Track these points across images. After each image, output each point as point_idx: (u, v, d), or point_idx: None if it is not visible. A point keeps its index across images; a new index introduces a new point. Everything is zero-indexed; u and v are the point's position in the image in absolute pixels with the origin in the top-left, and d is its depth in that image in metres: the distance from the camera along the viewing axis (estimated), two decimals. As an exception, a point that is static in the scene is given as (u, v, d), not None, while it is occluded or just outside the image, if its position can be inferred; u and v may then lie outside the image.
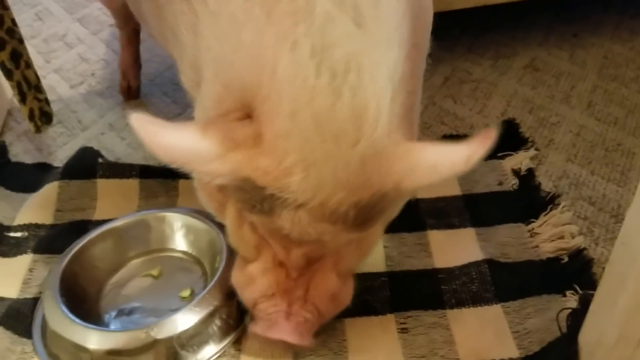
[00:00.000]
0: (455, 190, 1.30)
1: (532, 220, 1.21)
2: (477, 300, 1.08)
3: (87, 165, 1.36)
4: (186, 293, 1.11)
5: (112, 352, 0.96)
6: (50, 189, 1.32)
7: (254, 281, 0.91)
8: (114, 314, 1.09)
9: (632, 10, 1.88)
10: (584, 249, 1.13)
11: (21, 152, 1.51)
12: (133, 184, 1.34)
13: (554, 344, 0.98)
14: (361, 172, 0.73)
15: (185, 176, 1.33)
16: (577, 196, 1.29)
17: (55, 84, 1.75)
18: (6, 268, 1.19)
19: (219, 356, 1.02)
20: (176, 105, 1.65)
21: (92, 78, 1.78)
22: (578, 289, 1.06)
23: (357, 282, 0.96)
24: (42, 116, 1.44)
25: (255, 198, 0.76)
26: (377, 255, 1.16)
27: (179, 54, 0.96)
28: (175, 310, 1.01)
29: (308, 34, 0.71)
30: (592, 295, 0.91)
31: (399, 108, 0.77)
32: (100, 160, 1.39)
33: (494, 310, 1.06)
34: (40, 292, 1.13)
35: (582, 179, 1.33)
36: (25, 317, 1.09)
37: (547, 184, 1.31)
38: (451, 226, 1.22)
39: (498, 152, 1.35)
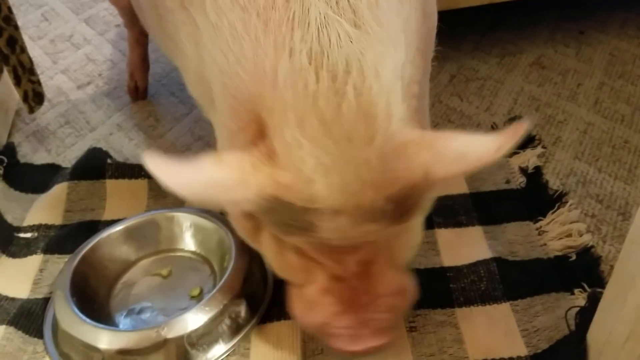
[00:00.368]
0: (462, 188, 1.30)
1: (540, 218, 1.21)
2: (485, 298, 1.08)
3: (96, 166, 1.37)
4: (195, 292, 1.12)
5: (123, 352, 0.97)
6: (59, 190, 1.33)
7: (316, 305, 0.87)
8: (124, 313, 1.10)
9: (639, 7, 1.87)
10: (592, 246, 1.14)
11: (30, 152, 1.52)
12: (142, 184, 1.35)
13: (562, 342, 0.98)
14: (384, 167, 0.72)
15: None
16: (585, 194, 1.29)
17: (62, 85, 1.76)
18: (17, 268, 1.20)
19: (228, 355, 1.03)
20: (183, 106, 1.65)
21: (100, 78, 1.78)
22: (586, 286, 1.06)
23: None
24: (35, 97, 1.48)
25: (289, 217, 0.75)
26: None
27: (183, 65, 0.95)
28: (185, 309, 1.01)
29: (304, 40, 0.70)
30: (601, 293, 0.91)
31: (415, 102, 0.77)
32: (109, 160, 1.40)
33: (503, 309, 1.06)
34: (50, 292, 1.14)
35: (590, 177, 1.33)
36: (36, 317, 1.10)
37: (554, 182, 1.31)
38: (459, 224, 1.23)
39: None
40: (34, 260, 1.21)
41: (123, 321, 1.09)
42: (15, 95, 1.63)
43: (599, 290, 1.00)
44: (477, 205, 1.26)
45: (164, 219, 1.20)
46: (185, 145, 1.52)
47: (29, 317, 1.10)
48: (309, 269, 0.86)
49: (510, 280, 1.09)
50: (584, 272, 1.09)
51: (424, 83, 0.91)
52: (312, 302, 0.87)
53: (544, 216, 1.21)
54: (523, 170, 1.32)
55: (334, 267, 0.83)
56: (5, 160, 1.42)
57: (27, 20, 2.02)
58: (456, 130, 1.48)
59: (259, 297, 1.09)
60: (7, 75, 1.46)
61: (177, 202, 1.31)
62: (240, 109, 0.79)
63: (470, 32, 1.85)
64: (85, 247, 1.13)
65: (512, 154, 1.35)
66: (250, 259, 1.10)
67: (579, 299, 1.05)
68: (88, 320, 1.00)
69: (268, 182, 0.73)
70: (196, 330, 0.99)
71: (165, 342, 0.97)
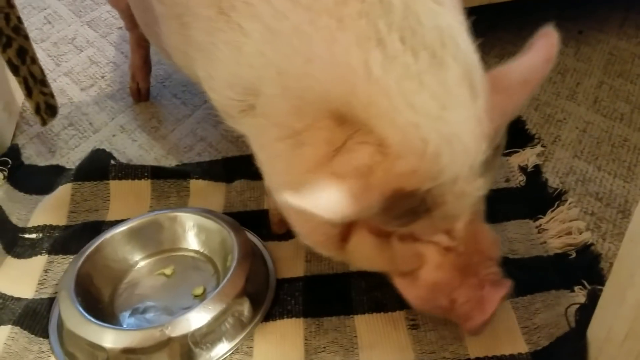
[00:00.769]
0: (463, 188, 1.30)
1: (540, 216, 1.22)
2: (486, 296, 1.08)
3: (99, 167, 1.38)
4: (199, 291, 1.13)
5: (127, 351, 0.98)
6: (63, 191, 1.34)
7: (435, 284, 0.88)
8: (128, 312, 1.11)
9: (638, 6, 1.88)
10: (592, 244, 1.14)
11: (34, 154, 1.53)
12: (145, 184, 1.36)
13: (562, 339, 0.98)
14: (486, 118, 0.76)
15: (196, 176, 1.36)
16: (584, 192, 1.30)
17: (65, 87, 1.77)
18: (22, 269, 1.21)
19: (232, 353, 1.03)
20: (186, 107, 1.66)
21: (102, 80, 1.80)
22: (586, 284, 1.06)
23: (368, 280, 0.97)
24: (48, 109, 1.46)
25: (412, 205, 0.76)
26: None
27: (209, 72, 0.93)
28: (188, 308, 1.03)
29: (392, 28, 0.73)
30: (600, 290, 0.92)
31: None
32: (112, 162, 1.41)
33: (503, 306, 1.06)
34: (55, 293, 1.15)
35: (589, 175, 1.34)
36: (41, 317, 1.11)
37: (554, 181, 1.32)
38: (459, 223, 1.23)
39: (504, 149, 1.36)
40: (39, 261, 1.22)
41: (127, 320, 1.10)
42: (19, 97, 1.64)
43: (599, 287, 1.01)
44: (478, 203, 1.27)
45: (167, 219, 1.21)
46: (188, 146, 1.53)
47: (35, 317, 1.11)
48: (418, 253, 0.87)
49: (511, 278, 1.10)
50: (583, 269, 1.10)
51: None
52: (430, 284, 0.88)
53: (544, 214, 1.22)
54: (523, 169, 1.32)
55: (445, 240, 0.85)
56: (10, 162, 1.44)
57: (29, 23, 2.03)
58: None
59: (262, 296, 1.10)
60: (11, 78, 1.46)
61: (180, 203, 1.33)
62: (307, 108, 0.80)
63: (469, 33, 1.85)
64: (89, 247, 1.14)
65: (512, 152, 1.36)
66: (253, 258, 1.11)
67: (579, 296, 1.05)
68: (93, 319, 1.01)
69: (388, 177, 0.74)
70: (200, 329, 1.00)
71: (169, 341, 0.98)
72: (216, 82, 0.92)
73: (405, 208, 0.77)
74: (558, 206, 1.22)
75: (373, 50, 0.73)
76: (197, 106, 1.66)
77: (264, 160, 0.94)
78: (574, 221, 1.18)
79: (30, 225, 1.30)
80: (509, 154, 1.36)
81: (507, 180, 1.31)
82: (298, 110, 0.81)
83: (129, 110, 1.68)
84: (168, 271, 1.17)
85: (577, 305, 1.02)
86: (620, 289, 0.83)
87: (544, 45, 0.79)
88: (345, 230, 0.88)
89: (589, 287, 1.06)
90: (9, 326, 1.09)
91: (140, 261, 1.19)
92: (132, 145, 1.54)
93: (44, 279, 1.19)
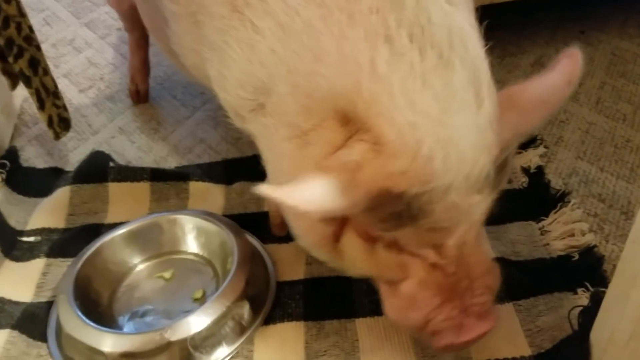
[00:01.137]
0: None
1: (543, 218, 1.21)
2: (488, 298, 1.08)
3: (98, 169, 1.37)
4: (198, 294, 1.12)
5: (126, 355, 0.97)
6: (62, 193, 1.34)
7: (415, 300, 0.83)
8: (127, 316, 1.10)
9: (639, 7, 1.87)
10: (595, 246, 1.14)
11: (32, 156, 1.52)
12: (144, 187, 1.35)
13: (566, 342, 0.98)
14: (491, 130, 0.74)
15: (196, 178, 1.35)
16: (587, 193, 1.29)
17: (64, 89, 1.76)
18: (20, 272, 1.20)
19: (232, 357, 1.03)
20: (185, 108, 1.66)
21: (101, 82, 1.79)
22: (589, 286, 1.06)
23: (369, 282, 0.97)
24: (61, 122, 1.41)
25: (398, 208, 0.73)
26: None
27: (222, 71, 0.91)
28: (188, 311, 1.02)
29: (401, 24, 0.72)
30: (604, 292, 0.91)
31: None
32: (111, 164, 1.40)
33: (506, 309, 1.06)
34: (54, 296, 1.14)
35: (592, 176, 1.33)
36: (40, 321, 1.10)
37: (556, 182, 1.31)
38: (461, 225, 1.22)
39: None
40: (37, 264, 1.21)
41: (126, 324, 1.09)
42: (18, 99, 1.64)
43: (602, 289, 1.00)
44: (479, 205, 1.26)
45: (167, 222, 1.20)
46: (188, 147, 1.52)
47: (33, 320, 1.10)
48: (403, 264, 0.83)
49: (513, 280, 1.09)
50: (586, 271, 1.09)
51: None
52: (410, 298, 0.84)
53: (547, 216, 1.21)
54: (525, 170, 1.32)
55: (432, 256, 0.81)
56: (8, 164, 1.42)
57: (28, 25, 2.02)
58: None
59: (262, 299, 1.09)
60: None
61: (180, 205, 1.32)
62: (315, 107, 0.79)
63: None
64: (88, 250, 1.13)
65: (514, 153, 1.35)
66: (253, 260, 1.10)
67: (582, 298, 1.04)
68: (92, 323, 1.00)
69: (378, 176, 0.72)
70: (199, 332, 0.99)
71: (168, 345, 0.97)
72: (228, 81, 0.90)
73: (390, 211, 0.74)
74: (561, 208, 1.21)
75: (380, 47, 0.72)
76: (197, 108, 1.65)
77: (270, 160, 0.93)
78: (576, 223, 1.18)
79: (28, 228, 1.29)
80: (510, 155, 1.35)
81: (510, 182, 1.30)
82: (306, 109, 0.80)
83: (128, 112, 1.67)
84: (167, 274, 1.16)
85: (580, 308, 1.02)
86: (623, 290, 0.82)
87: (567, 66, 0.76)
88: (339, 229, 0.86)
89: (592, 289, 1.05)
90: (8, 330, 1.08)
91: (139, 264, 1.18)
92: (131, 147, 1.53)
93: (43, 282, 1.18)
